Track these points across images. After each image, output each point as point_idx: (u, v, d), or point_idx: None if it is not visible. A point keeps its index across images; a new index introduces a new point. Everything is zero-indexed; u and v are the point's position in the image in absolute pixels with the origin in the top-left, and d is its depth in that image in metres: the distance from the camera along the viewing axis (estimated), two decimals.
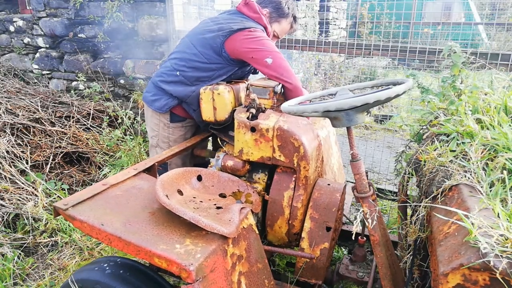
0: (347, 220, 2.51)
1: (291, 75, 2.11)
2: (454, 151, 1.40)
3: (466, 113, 1.54)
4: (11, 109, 3.72)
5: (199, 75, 2.23)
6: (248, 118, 1.92)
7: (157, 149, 2.43)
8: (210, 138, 2.56)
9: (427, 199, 1.32)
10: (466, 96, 1.72)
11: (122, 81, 4.28)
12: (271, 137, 1.88)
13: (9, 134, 3.41)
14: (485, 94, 1.77)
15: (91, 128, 3.98)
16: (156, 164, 1.92)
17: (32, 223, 2.78)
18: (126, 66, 4.18)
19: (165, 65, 2.34)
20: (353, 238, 1.62)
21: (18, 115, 3.68)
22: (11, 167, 3.14)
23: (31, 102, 3.98)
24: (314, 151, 1.96)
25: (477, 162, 1.27)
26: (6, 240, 2.65)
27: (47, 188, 3.09)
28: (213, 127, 2.23)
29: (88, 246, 2.71)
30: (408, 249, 1.48)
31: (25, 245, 2.71)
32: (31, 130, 3.59)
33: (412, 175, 1.68)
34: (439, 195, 1.26)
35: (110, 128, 3.99)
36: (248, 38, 2.15)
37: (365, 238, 2.04)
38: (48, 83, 4.85)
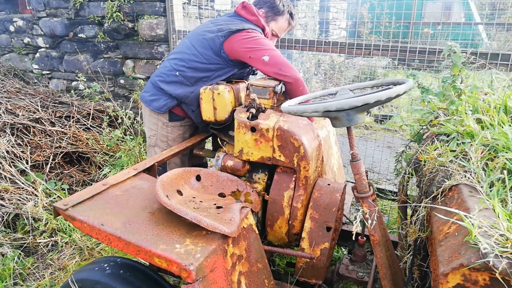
0: (347, 220, 2.51)
1: (290, 68, 2.12)
2: (454, 151, 1.40)
3: (466, 113, 1.54)
4: (11, 109, 3.72)
5: (198, 75, 2.24)
6: (248, 118, 1.92)
7: (155, 149, 2.43)
8: (210, 138, 2.56)
9: (427, 199, 1.32)
10: (466, 96, 1.72)
11: (122, 81, 4.28)
12: (271, 137, 1.88)
13: (9, 134, 3.41)
14: (485, 94, 1.77)
15: (91, 128, 3.98)
16: (156, 164, 1.92)
17: (32, 223, 2.78)
18: (126, 66, 4.18)
19: (164, 65, 2.35)
20: (353, 238, 1.62)
21: (18, 115, 3.68)
22: (11, 167, 3.14)
23: (31, 102, 3.98)
24: (314, 151, 1.95)
25: (477, 162, 1.27)
26: (6, 240, 2.66)
27: (47, 188, 3.09)
28: (213, 127, 2.24)
29: (88, 246, 2.71)
30: (408, 249, 1.48)
31: (25, 245, 2.71)
32: (31, 130, 3.59)
33: (412, 175, 1.68)
34: (439, 195, 1.26)
35: (110, 128, 3.99)
36: (246, 39, 2.16)
37: (365, 238, 2.04)
38: (48, 83, 4.85)
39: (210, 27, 2.28)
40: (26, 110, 3.80)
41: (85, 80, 4.33)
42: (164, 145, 2.39)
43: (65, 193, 3.18)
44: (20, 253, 2.60)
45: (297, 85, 2.13)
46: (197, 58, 2.23)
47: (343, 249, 2.70)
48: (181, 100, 2.27)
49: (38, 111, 3.85)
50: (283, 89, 2.15)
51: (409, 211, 1.66)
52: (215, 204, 1.59)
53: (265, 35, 2.35)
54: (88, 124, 3.99)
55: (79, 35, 4.35)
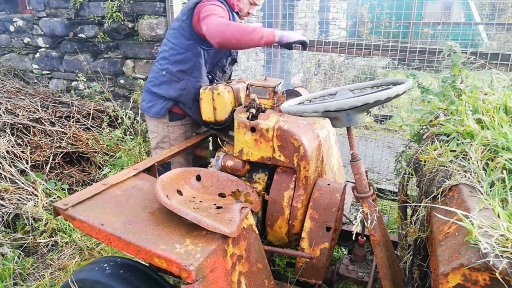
0: (347, 220, 2.51)
1: (218, 31, 1.98)
2: (454, 151, 1.40)
3: (466, 113, 1.54)
4: (11, 109, 3.72)
5: (182, 68, 2.25)
6: (248, 118, 1.92)
7: (156, 151, 2.43)
8: (210, 138, 2.56)
9: (427, 199, 1.32)
10: (466, 96, 1.72)
11: (122, 81, 4.28)
12: (271, 137, 1.88)
13: (9, 134, 3.41)
14: (485, 94, 1.77)
15: (91, 128, 3.98)
16: (156, 164, 1.92)
17: (32, 223, 2.78)
18: (126, 66, 4.17)
19: (152, 70, 2.39)
20: (353, 238, 1.62)
21: (18, 115, 3.68)
22: (11, 167, 3.14)
23: (31, 102, 3.98)
24: (314, 151, 1.95)
25: (477, 162, 1.27)
26: (6, 240, 2.65)
27: (47, 188, 3.09)
28: (213, 127, 2.24)
29: (88, 246, 2.71)
30: (408, 249, 1.47)
31: (25, 245, 2.71)
32: (31, 130, 3.59)
33: (412, 175, 1.68)
34: (439, 195, 1.26)
35: (110, 128, 3.99)
36: (198, 12, 2.13)
37: (365, 238, 2.04)
38: (48, 83, 4.85)
39: (177, 17, 2.30)
40: (26, 110, 3.80)
41: (85, 80, 4.33)
42: (167, 146, 2.39)
43: (65, 193, 3.18)
44: (20, 253, 2.60)
45: (229, 43, 2.00)
46: (175, 50, 2.24)
47: (343, 249, 2.70)
48: (176, 99, 2.28)
49: (38, 111, 3.85)
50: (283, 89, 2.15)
51: (409, 211, 1.66)
52: (215, 204, 1.59)
53: (229, 3, 2.26)
54: (88, 124, 3.99)
55: (79, 35, 4.35)
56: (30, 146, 3.45)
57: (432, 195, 1.31)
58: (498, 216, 0.98)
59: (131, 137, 3.83)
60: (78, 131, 3.82)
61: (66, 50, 4.54)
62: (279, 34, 2.08)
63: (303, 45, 2.20)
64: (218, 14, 2.05)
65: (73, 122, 3.91)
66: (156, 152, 2.43)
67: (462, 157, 1.34)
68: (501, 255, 0.84)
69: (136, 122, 4.00)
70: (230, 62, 2.49)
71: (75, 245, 2.73)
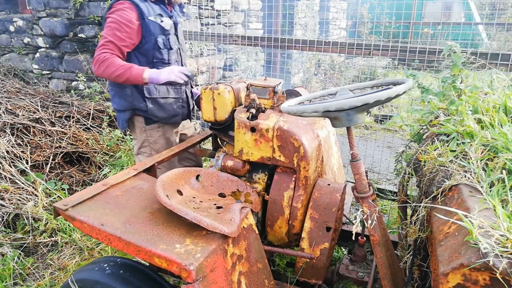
0: (347, 220, 2.51)
1: (94, 69, 2.10)
2: (454, 151, 1.40)
3: (466, 113, 1.54)
4: (11, 109, 3.72)
5: None
6: (248, 118, 1.92)
7: (139, 157, 2.41)
8: (210, 138, 2.56)
9: (427, 199, 1.32)
10: (466, 96, 1.72)
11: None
12: (271, 137, 1.88)
13: (9, 134, 3.41)
14: (485, 94, 1.77)
15: (91, 128, 3.98)
16: (156, 164, 1.92)
17: (32, 223, 2.78)
18: None
19: None
20: (353, 238, 1.62)
21: (18, 115, 3.68)
22: (11, 167, 3.14)
23: (31, 102, 3.98)
24: (314, 151, 1.95)
25: (477, 162, 1.27)
26: (6, 240, 2.66)
27: (47, 188, 3.09)
28: (213, 127, 2.24)
29: (88, 246, 2.71)
30: (408, 249, 1.48)
31: (25, 245, 2.71)
32: (31, 130, 3.59)
33: (412, 175, 1.68)
34: (439, 195, 1.26)
35: (110, 128, 3.99)
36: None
37: (365, 238, 2.04)
38: (48, 83, 4.85)
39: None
40: (26, 110, 3.80)
41: (85, 80, 4.34)
42: (147, 150, 2.37)
43: (65, 193, 3.18)
44: (20, 253, 2.60)
45: (112, 77, 2.09)
46: None
47: (343, 249, 2.70)
48: (130, 108, 2.28)
49: (38, 111, 3.85)
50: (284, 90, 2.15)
51: (409, 211, 1.66)
52: (215, 204, 1.59)
53: None
54: (88, 124, 3.99)
55: (79, 35, 4.35)
56: (30, 146, 3.45)
57: (432, 195, 1.31)
58: (498, 216, 0.98)
59: (131, 137, 3.83)
60: (78, 131, 3.82)
61: (66, 50, 4.55)
62: (146, 77, 2.09)
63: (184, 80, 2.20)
64: (106, 40, 2.07)
65: (73, 122, 3.91)
66: (139, 158, 2.40)
67: (462, 157, 1.34)
68: (501, 255, 0.84)
69: None
70: (171, 54, 2.36)
71: (75, 245, 2.73)
